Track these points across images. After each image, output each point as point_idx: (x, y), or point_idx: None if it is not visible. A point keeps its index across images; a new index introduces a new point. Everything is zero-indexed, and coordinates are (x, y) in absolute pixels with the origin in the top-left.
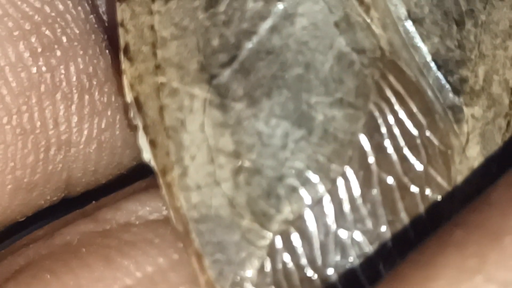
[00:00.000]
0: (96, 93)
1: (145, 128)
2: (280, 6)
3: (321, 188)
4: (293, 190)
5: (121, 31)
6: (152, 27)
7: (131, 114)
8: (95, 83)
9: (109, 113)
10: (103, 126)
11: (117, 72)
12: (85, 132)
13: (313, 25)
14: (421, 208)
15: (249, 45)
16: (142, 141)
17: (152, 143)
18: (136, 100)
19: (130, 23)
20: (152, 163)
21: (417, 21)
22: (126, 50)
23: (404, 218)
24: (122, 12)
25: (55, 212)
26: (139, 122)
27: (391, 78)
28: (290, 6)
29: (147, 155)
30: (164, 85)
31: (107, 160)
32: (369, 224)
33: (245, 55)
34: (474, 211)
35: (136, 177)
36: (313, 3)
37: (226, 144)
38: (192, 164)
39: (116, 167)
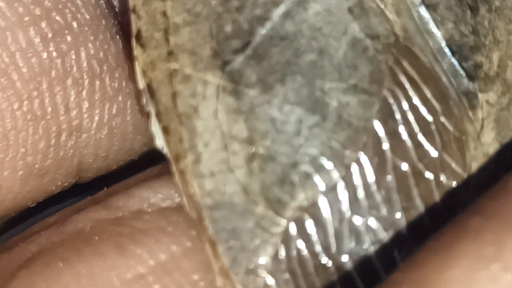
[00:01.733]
0: (107, 79)
1: (158, 115)
2: None
3: (335, 175)
4: (307, 176)
5: (133, 17)
6: (164, 13)
7: (144, 101)
8: (105, 68)
9: (120, 98)
10: (114, 111)
11: (128, 57)
12: (96, 118)
13: (326, 11)
14: (436, 195)
15: (262, 31)
16: (155, 127)
17: (165, 130)
18: (149, 86)
19: (142, 9)
20: (165, 150)
21: (431, 7)
22: (138, 36)
23: (419, 204)
24: None
25: (65, 198)
26: (151, 109)
27: (405, 64)
28: None
29: (159, 142)
30: (177, 72)
31: (118, 145)
32: (383, 210)
33: (259, 41)
34: (491, 199)
35: (147, 164)
36: None
37: (239, 130)
38: (205, 150)
39: (127, 153)
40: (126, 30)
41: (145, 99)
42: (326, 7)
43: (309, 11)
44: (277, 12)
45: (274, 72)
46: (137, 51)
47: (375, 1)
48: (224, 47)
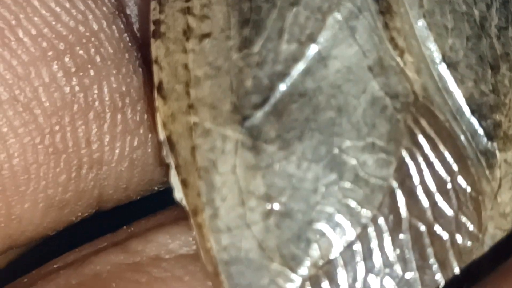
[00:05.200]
0: (129, 112)
1: (177, 168)
2: (314, 48)
3: (351, 233)
4: (323, 234)
5: (155, 68)
6: (186, 66)
7: (164, 153)
8: (127, 101)
9: (141, 131)
10: (135, 144)
11: (150, 90)
12: (117, 151)
13: (346, 69)
14: (451, 255)
15: (282, 87)
16: (174, 180)
17: (184, 183)
18: (169, 139)
19: (164, 60)
20: (184, 203)
21: (451, 65)
22: (160, 87)
23: (434, 264)
24: (157, 49)
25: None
26: (171, 161)
27: (424, 123)
28: (324, 48)
29: (179, 194)
30: (197, 125)
31: (139, 177)
32: (398, 269)
33: (278, 97)
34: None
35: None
36: (347, 46)
37: (257, 186)
38: (223, 205)
39: (148, 183)
40: (149, 62)
41: (165, 151)
42: (346, 65)
43: (329, 68)
44: (298, 68)
45: (293, 128)
46: (158, 102)
47: (395, 60)
48: (244, 102)
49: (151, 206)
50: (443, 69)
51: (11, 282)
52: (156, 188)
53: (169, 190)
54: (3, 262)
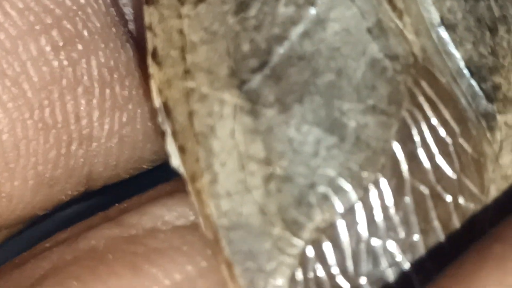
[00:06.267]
0: (117, 87)
1: (174, 134)
2: (312, 11)
3: (353, 196)
4: (325, 198)
5: (149, 34)
6: (181, 31)
7: (159, 119)
8: (116, 76)
9: (130, 107)
10: (124, 120)
11: (139, 65)
12: (106, 127)
13: (345, 31)
14: (454, 217)
15: (280, 50)
16: (171, 147)
17: (181, 149)
18: (165, 105)
19: (158, 26)
20: (181, 169)
21: (450, 27)
22: (155, 54)
23: (437, 227)
24: (150, 16)
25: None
26: (167, 128)
27: (424, 85)
28: (322, 11)
29: (175, 161)
30: (194, 91)
31: (128, 154)
32: (401, 233)
33: (276, 60)
34: None
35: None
36: (346, 8)
37: (257, 151)
38: (222, 170)
39: (137, 161)
40: (136, 37)
41: (160, 117)
42: (345, 27)
43: (327, 30)
44: (296, 31)
45: (292, 92)
46: (153, 69)
47: (394, 21)
48: (241, 66)
49: (141, 186)
50: (441, 31)
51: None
52: (145, 166)
53: (157, 169)
54: None
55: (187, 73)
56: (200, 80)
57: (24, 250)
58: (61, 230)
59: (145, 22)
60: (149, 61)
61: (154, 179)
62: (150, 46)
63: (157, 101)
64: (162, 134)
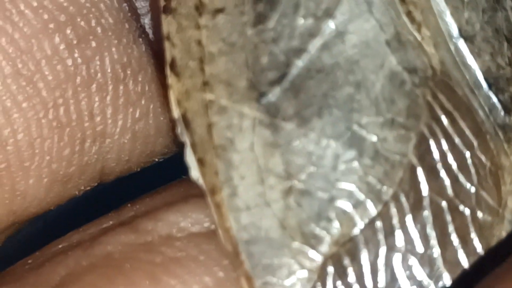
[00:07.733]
0: (131, 83)
1: (193, 146)
2: (331, 23)
3: (372, 210)
4: (344, 212)
5: (167, 44)
6: (199, 42)
7: (178, 130)
8: (129, 73)
9: (143, 102)
10: (137, 115)
11: (151, 61)
12: (120, 123)
13: (364, 44)
14: (472, 230)
15: (299, 63)
16: (190, 159)
17: (201, 162)
18: (184, 116)
19: (176, 36)
20: (201, 182)
21: (468, 39)
22: (173, 64)
23: (455, 240)
24: (168, 25)
25: None
26: (186, 139)
27: (442, 98)
28: (341, 23)
29: (195, 173)
30: (213, 103)
31: (141, 149)
32: (419, 246)
33: (295, 73)
34: None
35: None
36: (364, 21)
37: (276, 164)
38: (241, 184)
39: (149, 155)
40: (149, 32)
41: (179, 129)
42: (364, 40)
43: (346, 43)
44: (315, 44)
45: (311, 105)
46: (171, 79)
47: (413, 34)
48: (260, 79)
49: (151, 177)
50: (460, 42)
51: (9, 258)
52: (156, 160)
53: (169, 161)
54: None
55: (205, 84)
56: (219, 92)
57: (27, 243)
58: (65, 227)
59: (163, 32)
60: (168, 71)
61: (160, 171)
62: (168, 56)
63: (175, 112)
64: (173, 128)
